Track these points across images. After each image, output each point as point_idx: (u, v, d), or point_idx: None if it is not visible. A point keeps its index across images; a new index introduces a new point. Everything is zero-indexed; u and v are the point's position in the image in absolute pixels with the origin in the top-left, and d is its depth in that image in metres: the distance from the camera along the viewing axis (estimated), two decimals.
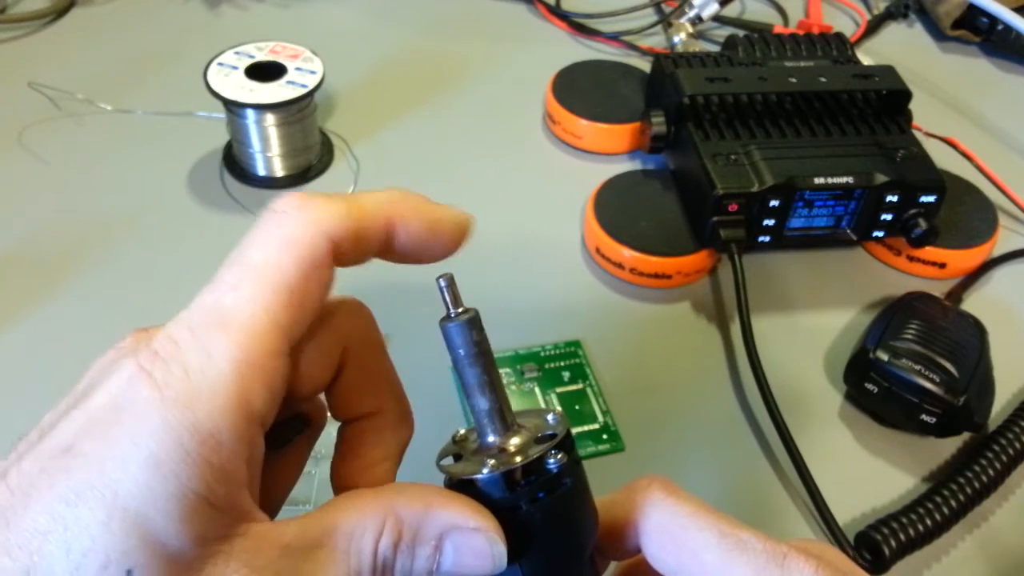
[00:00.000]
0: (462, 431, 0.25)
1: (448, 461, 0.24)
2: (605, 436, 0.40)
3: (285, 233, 0.21)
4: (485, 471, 0.22)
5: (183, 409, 0.19)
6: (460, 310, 0.23)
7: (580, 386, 0.42)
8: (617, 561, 0.26)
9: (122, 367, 0.20)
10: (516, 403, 0.41)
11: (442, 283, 0.24)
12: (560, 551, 0.23)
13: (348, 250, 0.22)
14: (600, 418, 0.41)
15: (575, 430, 0.40)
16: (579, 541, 0.23)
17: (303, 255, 0.21)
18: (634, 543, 0.24)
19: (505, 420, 0.23)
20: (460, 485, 0.23)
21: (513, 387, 0.42)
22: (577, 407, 0.41)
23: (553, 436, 0.23)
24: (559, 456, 0.22)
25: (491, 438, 0.23)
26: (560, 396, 0.41)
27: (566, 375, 0.42)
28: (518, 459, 0.22)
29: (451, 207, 0.24)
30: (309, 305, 0.21)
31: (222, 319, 0.20)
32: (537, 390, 0.42)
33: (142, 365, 0.20)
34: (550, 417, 0.24)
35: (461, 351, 0.23)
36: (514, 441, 0.23)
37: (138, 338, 0.22)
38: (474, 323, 0.23)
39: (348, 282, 0.49)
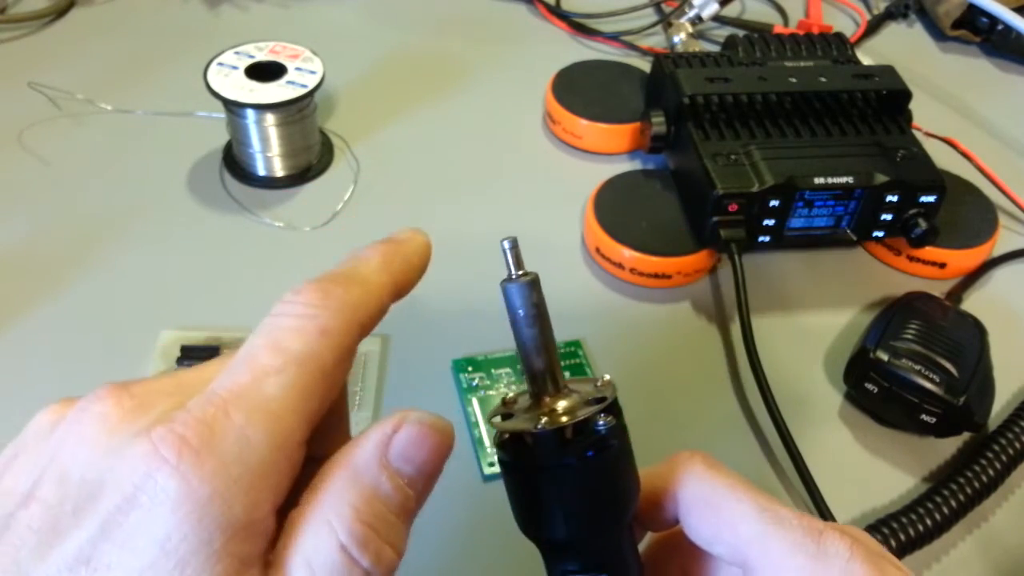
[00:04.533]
0: (511, 394, 0.26)
1: (498, 420, 0.25)
2: None
3: (322, 324, 0.21)
4: (537, 427, 0.22)
5: (220, 506, 0.18)
6: (521, 272, 0.24)
7: None
8: (654, 532, 0.27)
9: (132, 456, 0.18)
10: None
11: (506, 245, 0.24)
12: (604, 510, 0.23)
13: (370, 327, 0.23)
14: None
15: None
16: (623, 502, 0.24)
17: (340, 345, 0.21)
18: (672, 514, 0.24)
19: (557, 382, 0.24)
20: (511, 440, 0.23)
21: (513, 387, 0.42)
22: None
23: (602, 400, 0.23)
24: (608, 419, 0.23)
25: (543, 398, 0.24)
26: None
27: (566, 375, 0.42)
28: (567, 419, 0.23)
29: (414, 234, 0.26)
30: (336, 390, 0.21)
31: (266, 406, 0.19)
32: None
33: (164, 455, 0.18)
34: (599, 383, 0.24)
35: (520, 312, 0.24)
36: (563, 403, 0.23)
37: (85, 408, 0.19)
38: (534, 285, 0.24)
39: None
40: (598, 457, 0.23)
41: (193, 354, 0.41)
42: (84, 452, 0.19)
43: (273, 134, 0.51)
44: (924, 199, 0.46)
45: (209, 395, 0.19)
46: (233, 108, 0.49)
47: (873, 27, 0.69)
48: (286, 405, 0.19)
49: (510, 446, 0.23)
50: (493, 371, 0.42)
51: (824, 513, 0.37)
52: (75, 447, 0.19)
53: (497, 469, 0.38)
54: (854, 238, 0.48)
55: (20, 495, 0.19)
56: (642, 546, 0.26)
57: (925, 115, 0.55)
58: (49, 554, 0.18)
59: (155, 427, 0.18)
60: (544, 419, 0.23)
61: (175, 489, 0.17)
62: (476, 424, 0.40)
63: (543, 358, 0.24)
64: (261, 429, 0.19)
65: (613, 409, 0.23)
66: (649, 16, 0.67)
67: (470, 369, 0.42)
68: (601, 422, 0.23)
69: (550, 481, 0.23)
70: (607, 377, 0.25)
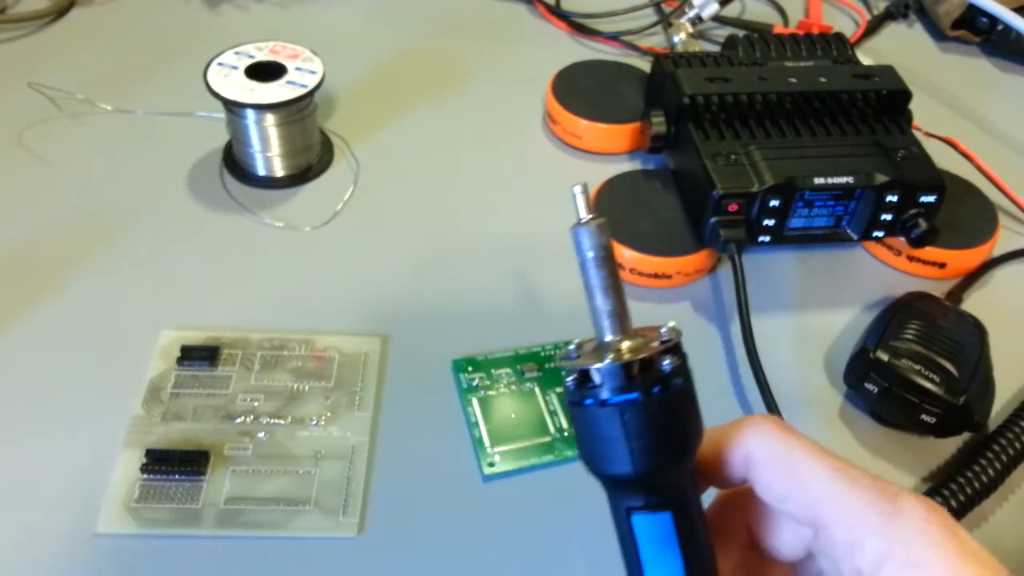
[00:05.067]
0: (578, 340, 0.27)
1: (567, 359, 0.25)
2: None
3: None
4: (605, 361, 0.24)
5: None
6: (591, 216, 0.25)
7: None
8: (718, 488, 0.27)
9: None
10: (516, 403, 0.41)
11: (577, 190, 0.25)
12: (669, 447, 0.24)
13: None
14: None
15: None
16: (687, 441, 0.24)
17: None
18: (738, 472, 0.25)
19: (624, 324, 0.25)
20: (579, 376, 0.24)
21: (513, 387, 0.42)
22: None
23: (667, 342, 0.24)
24: (673, 358, 0.24)
25: (609, 338, 0.25)
26: (560, 396, 0.41)
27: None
28: (633, 356, 0.24)
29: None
30: None
31: None
32: (537, 390, 0.42)
33: None
34: (664, 329, 0.25)
35: (590, 253, 0.25)
36: (629, 343, 0.24)
37: None
38: (604, 228, 0.25)
39: (347, 279, 0.49)
40: (663, 394, 0.24)
41: (193, 354, 0.41)
42: None
43: (273, 134, 0.51)
44: (924, 199, 0.46)
45: None
46: (233, 108, 0.49)
47: (873, 27, 0.69)
48: None
49: (578, 384, 0.24)
50: (493, 371, 0.42)
51: None
52: None
53: (497, 469, 0.38)
54: (854, 238, 0.48)
55: None
56: (706, 502, 0.27)
57: (925, 115, 0.55)
58: None
59: None
60: (611, 355, 0.24)
61: None
62: (476, 424, 0.40)
63: (611, 299, 0.25)
64: None
65: (678, 352, 0.24)
66: (649, 16, 0.67)
67: (470, 369, 0.42)
68: (667, 361, 0.24)
69: (617, 416, 0.23)
70: (672, 323, 0.25)
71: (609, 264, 0.25)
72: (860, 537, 0.22)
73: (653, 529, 0.24)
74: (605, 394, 0.24)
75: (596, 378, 0.24)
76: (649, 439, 0.24)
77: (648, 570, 0.24)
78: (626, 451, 0.24)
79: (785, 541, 0.26)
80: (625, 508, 0.25)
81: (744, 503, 0.26)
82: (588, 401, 0.24)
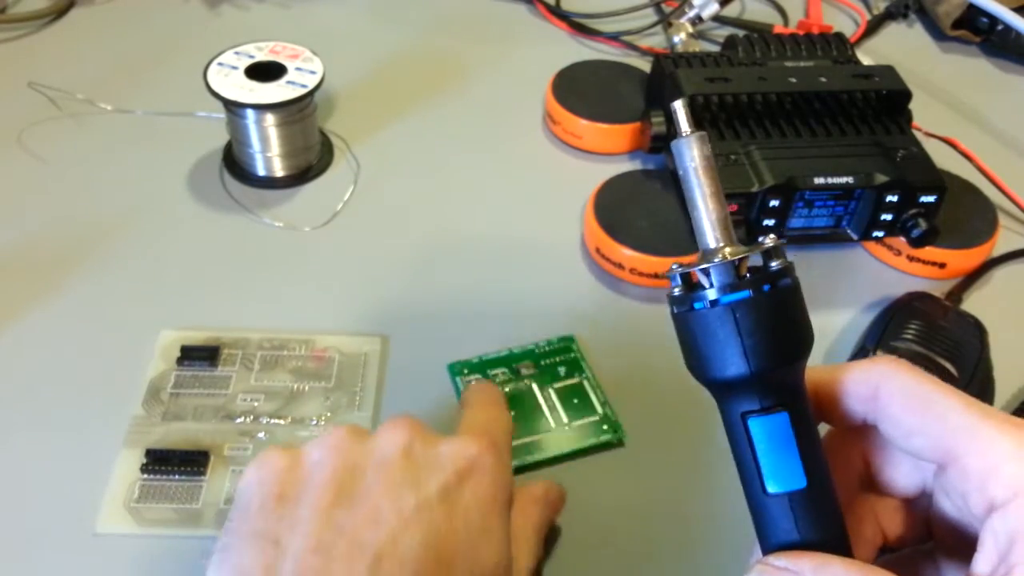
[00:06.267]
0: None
1: (675, 266, 0.26)
2: (605, 427, 0.40)
3: None
4: (715, 261, 0.24)
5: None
6: (692, 129, 0.25)
7: (577, 380, 0.42)
8: (831, 424, 0.28)
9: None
10: (514, 402, 0.41)
11: (678, 105, 0.26)
12: (782, 346, 0.24)
13: None
14: (599, 410, 0.41)
15: (576, 423, 0.40)
16: (799, 341, 0.25)
17: None
18: (860, 407, 0.26)
19: (728, 231, 0.25)
20: (684, 284, 0.25)
21: (510, 386, 0.42)
22: (576, 401, 0.41)
23: (771, 248, 0.25)
24: (781, 260, 0.25)
25: (714, 244, 0.25)
26: (558, 391, 0.41)
27: (562, 370, 0.42)
28: (741, 255, 0.24)
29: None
30: None
31: None
32: (535, 387, 0.42)
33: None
34: (767, 239, 0.25)
35: (694, 164, 0.25)
36: (732, 249, 0.25)
37: None
38: (705, 140, 0.25)
39: (347, 279, 0.49)
40: (774, 291, 0.24)
41: (193, 354, 0.41)
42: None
43: (273, 134, 0.51)
44: (924, 199, 0.46)
45: None
46: (233, 108, 0.49)
47: (873, 27, 0.69)
48: None
49: (686, 293, 0.25)
50: (489, 372, 0.42)
51: None
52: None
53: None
54: (854, 238, 0.48)
55: (399, 447, 0.30)
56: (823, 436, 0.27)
57: (925, 115, 0.55)
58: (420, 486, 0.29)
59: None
60: (719, 256, 0.24)
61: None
62: None
63: (715, 207, 0.25)
64: None
65: (784, 256, 0.25)
66: (649, 16, 0.67)
67: (466, 371, 0.42)
68: (774, 262, 0.24)
69: (729, 316, 0.24)
70: (773, 235, 0.25)
71: (711, 173, 0.25)
72: (996, 464, 0.23)
73: (770, 432, 0.25)
74: (715, 295, 0.24)
75: (705, 280, 0.24)
76: (762, 337, 0.24)
77: (767, 474, 0.25)
78: (739, 351, 0.24)
79: (903, 475, 0.27)
80: (740, 413, 0.25)
81: (855, 441, 0.27)
82: (698, 304, 0.24)
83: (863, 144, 0.48)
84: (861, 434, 0.27)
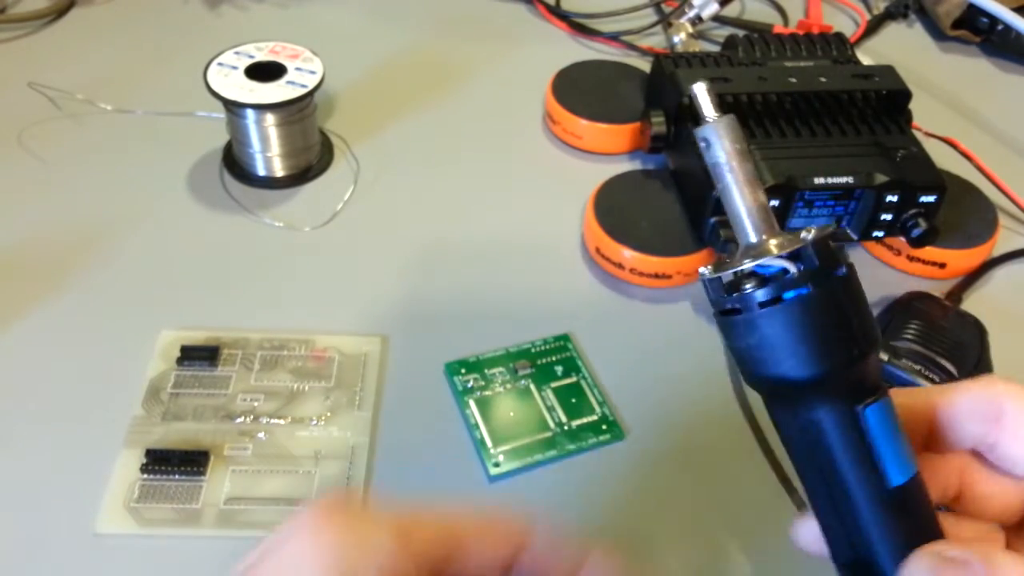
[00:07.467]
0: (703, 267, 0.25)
1: (707, 270, 0.23)
2: (604, 427, 0.40)
3: None
4: (810, 237, 0.21)
5: None
6: (719, 114, 0.23)
7: (574, 379, 0.42)
8: (930, 451, 0.26)
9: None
10: (513, 402, 0.41)
11: (700, 88, 0.23)
12: (875, 322, 0.22)
13: None
14: (597, 409, 0.41)
15: (575, 422, 0.40)
16: (857, 327, 0.22)
17: None
18: (973, 431, 0.24)
19: (770, 221, 0.23)
20: (732, 289, 0.22)
21: (508, 386, 0.42)
22: (573, 400, 0.41)
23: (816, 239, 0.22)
24: (833, 245, 0.22)
25: (757, 237, 0.23)
26: (555, 391, 0.41)
27: (559, 369, 0.42)
28: (799, 244, 0.22)
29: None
30: None
31: None
32: (532, 386, 0.42)
33: None
34: (812, 227, 0.23)
35: (722, 154, 0.23)
36: (777, 241, 0.22)
37: None
38: (735, 123, 0.23)
39: (347, 279, 0.49)
40: (850, 274, 0.22)
41: (193, 354, 0.41)
42: None
43: (273, 134, 0.51)
44: (924, 199, 0.46)
45: None
46: (233, 108, 0.49)
47: (873, 27, 0.69)
48: None
49: (781, 279, 0.22)
50: (487, 371, 0.42)
51: None
52: None
53: (502, 469, 0.38)
54: (854, 238, 0.48)
55: None
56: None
57: (925, 115, 0.55)
58: None
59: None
60: (798, 244, 0.21)
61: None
62: (476, 426, 0.40)
63: (753, 195, 0.23)
64: None
65: (837, 236, 0.23)
66: (649, 16, 0.67)
67: (463, 371, 0.42)
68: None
69: (837, 296, 0.22)
70: (812, 227, 0.23)
71: (748, 159, 0.23)
72: None
73: (882, 419, 0.22)
74: (809, 277, 0.21)
75: (792, 267, 0.21)
76: (867, 314, 0.22)
77: (889, 466, 0.22)
78: (849, 334, 0.22)
79: (998, 504, 0.25)
80: (854, 406, 0.22)
81: (954, 467, 0.25)
82: (792, 293, 0.21)
83: (863, 144, 0.48)
84: (955, 456, 0.25)
